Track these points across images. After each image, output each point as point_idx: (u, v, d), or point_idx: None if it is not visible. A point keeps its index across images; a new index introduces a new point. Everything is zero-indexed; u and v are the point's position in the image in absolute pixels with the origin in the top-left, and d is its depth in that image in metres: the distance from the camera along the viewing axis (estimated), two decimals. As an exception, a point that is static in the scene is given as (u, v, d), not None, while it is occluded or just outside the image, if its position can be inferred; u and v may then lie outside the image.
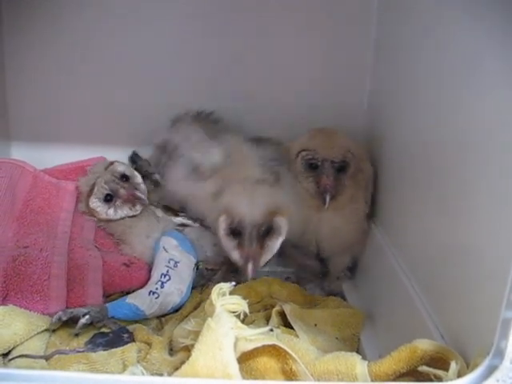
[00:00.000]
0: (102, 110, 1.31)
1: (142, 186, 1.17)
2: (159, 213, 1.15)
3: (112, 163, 1.17)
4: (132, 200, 1.13)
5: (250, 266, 1.00)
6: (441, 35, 0.86)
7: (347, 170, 1.12)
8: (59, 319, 0.90)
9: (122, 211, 1.14)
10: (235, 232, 1.02)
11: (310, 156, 1.12)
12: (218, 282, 0.74)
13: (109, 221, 1.15)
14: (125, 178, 1.16)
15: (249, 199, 1.03)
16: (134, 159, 1.27)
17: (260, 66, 1.29)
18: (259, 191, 1.04)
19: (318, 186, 1.10)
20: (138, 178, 1.17)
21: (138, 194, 1.14)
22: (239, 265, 1.03)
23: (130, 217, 1.14)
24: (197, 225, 1.15)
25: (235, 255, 1.03)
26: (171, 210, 1.16)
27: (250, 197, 1.03)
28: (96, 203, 1.14)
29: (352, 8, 1.26)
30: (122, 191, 1.13)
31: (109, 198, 1.13)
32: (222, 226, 1.03)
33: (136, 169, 1.20)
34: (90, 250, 1.08)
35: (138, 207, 1.14)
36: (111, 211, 1.14)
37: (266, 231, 1.02)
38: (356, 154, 1.13)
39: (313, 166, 1.12)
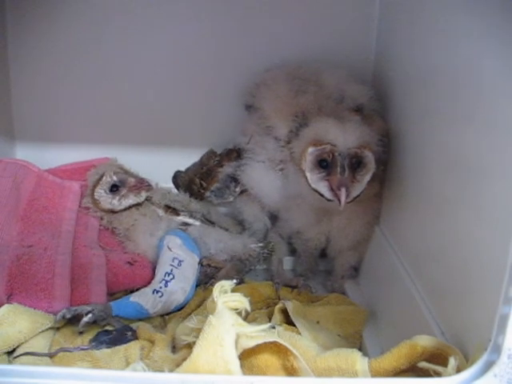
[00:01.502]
0: (106, 110, 1.32)
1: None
2: (161, 212, 1.16)
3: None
4: (139, 187, 1.15)
5: (343, 192, 0.97)
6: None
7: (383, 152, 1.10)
8: (63, 317, 0.90)
9: (126, 200, 1.15)
10: (323, 164, 1.00)
11: None
12: (221, 280, 0.74)
13: (112, 212, 1.16)
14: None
15: (341, 128, 1.00)
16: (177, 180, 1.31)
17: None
18: (350, 123, 1.02)
19: None
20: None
21: (147, 180, 1.17)
22: (327, 197, 1.01)
23: (135, 205, 1.16)
24: (198, 223, 1.16)
25: (322, 187, 1.01)
26: (172, 209, 1.17)
27: (342, 126, 1.01)
28: (101, 194, 1.15)
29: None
30: (131, 179, 1.16)
31: (115, 189, 1.15)
32: (310, 157, 1.00)
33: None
34: (93, 249, 1.09)
35: (143, 194, 1.16)
36: (115, 201, 1.15)
37: (357, 164, 1.00)
38: (389, 143, 1.10)
39: None
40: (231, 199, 1.22)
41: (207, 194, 1.23)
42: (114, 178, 1.15)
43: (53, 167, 1.26)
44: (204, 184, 1.23)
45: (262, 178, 1.15)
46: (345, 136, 0.99)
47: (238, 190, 1.21)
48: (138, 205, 1.16)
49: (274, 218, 1.23)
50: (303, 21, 1.27)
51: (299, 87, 1.13)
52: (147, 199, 1.17)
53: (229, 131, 1.25)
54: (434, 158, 0.87)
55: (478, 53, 0.73)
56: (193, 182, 1.25)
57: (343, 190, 0.97)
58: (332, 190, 1.00)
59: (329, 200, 1.01)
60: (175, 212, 1.16)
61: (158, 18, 1.26)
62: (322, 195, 1.02)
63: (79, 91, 1.30)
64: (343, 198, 0.97)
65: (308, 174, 1.01)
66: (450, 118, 0.82)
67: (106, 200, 1.15)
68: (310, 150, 1.00)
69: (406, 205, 1.01)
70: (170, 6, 1.25)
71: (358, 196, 1.01)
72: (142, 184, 1.16)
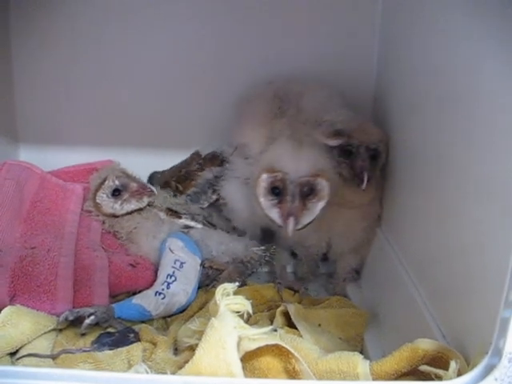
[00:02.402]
0: (110, 113, 1.32)
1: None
2: (162, 215, 1.16)
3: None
4: (141, 192, 1.16)
5: (291, 221, 0.99)
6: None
7: (378, 159, 1.10)
8: (66, 319, 0.90)
9: (128, 205, 1.15)
10: (275, 191, 1.01)
11: (345, 142, 1.09)
12: (224, 282, 0.74)
13: (113, 216, 1.16)
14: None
15: (295, 156, 1.01)
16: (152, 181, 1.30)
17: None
18: (307, 150, 1.03)
19: (354, 168, 1.08)
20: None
21: (149, 186, 1.17)
22: (278, 223, 1.02)
23: (136, 210, 1.16)
24: (200, 226, 1.16)
25: (274, 214, 1.02)
26: (174, 212, 1.17)
27: (296, 154, 1.02)
28: (103, 198, 1.16)
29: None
30: (133, 184, 1.16)
31: (117, 194, 1.15)
32: (263, 184, 1.01)
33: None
34: (96, 251, 1.09)
35: (145, 199, 1.16)
36: (117, 205, 1.15)
37: (308, 192, 1.01)
38: (386, 148, 1.10)
39: (347, 153, 1.09)
40: (206, 205, 1.22)
41: (182, 197, 1.22)
42: (116, 182, 1.15)
43: (56, 169, 1.26)
44: (180, 187, 1.23)
45: (236, 194, 1.16)
46: (298, 164, 1.00)
47: (214, 197, 1.21)
48: (139, 209, 1.16)
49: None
50: (304, 23, 1.27)
51: (278, 109, 1.13)
52: (149, 204, 1.17)
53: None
54: (435, 161, 0.88)
55: (478, 56, 0.73)
56: (168, 185, 1.24)
57: (291, 219, 0.99)
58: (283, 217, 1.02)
59: (279, 226, 1.03)
60: (177, 215, 1.16)
61: (158, 18, 1.26)
62: (273, 221, 1.04)
63: (81, 93, 1.31)
64: (290, 227, 0.99)
65: (261, 200, 1.03)
66: (450, 121, 0.82)
67: (108, 204, 1.15)
68: (263, 176, 1.02)
69: (408, 208, 1.01)
70: (169, 5, 1.25)
71: (310, 223, 1.03)
72: (144, 189, 1.16)
